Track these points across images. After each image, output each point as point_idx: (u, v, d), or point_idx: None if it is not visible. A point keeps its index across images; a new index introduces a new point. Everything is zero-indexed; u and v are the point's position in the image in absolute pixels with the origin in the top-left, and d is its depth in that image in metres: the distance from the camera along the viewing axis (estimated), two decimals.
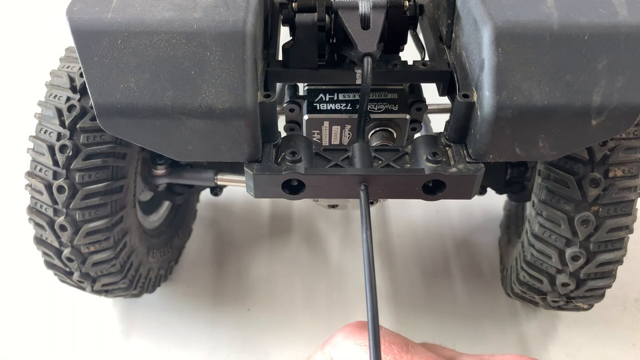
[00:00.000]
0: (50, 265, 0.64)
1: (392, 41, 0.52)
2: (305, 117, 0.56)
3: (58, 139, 0.56)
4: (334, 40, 0.52)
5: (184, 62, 0.43)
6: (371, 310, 0.37)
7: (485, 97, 0.43)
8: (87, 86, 0.44)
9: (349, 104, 0.56)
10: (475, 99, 0.45)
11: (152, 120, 0.44)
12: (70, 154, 0.56)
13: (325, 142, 0.58)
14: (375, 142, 0.56)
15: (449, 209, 0.91)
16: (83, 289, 0.66)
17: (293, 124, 0.58)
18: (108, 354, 0.72)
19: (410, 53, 0.56)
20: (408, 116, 0.57)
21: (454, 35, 0.52)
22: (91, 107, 0.55)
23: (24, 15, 1.38)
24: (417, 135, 0.59)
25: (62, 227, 0.58)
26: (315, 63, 0.52)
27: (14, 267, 0.81)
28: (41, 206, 0.59)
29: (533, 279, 0.64)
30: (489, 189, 0.74)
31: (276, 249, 0.85)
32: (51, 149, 0.56)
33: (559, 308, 0.67)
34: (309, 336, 0.74)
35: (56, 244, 0.60)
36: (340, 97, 0.57)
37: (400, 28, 0.52)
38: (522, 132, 0.44)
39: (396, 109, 0.57)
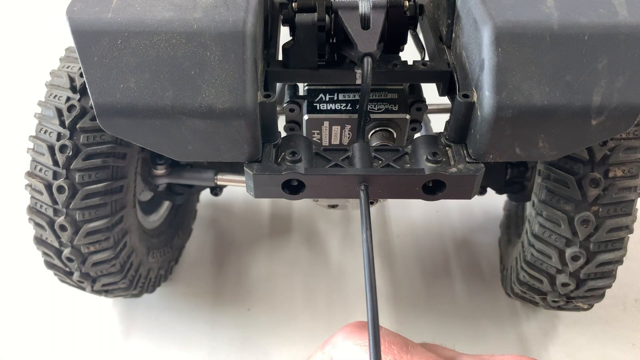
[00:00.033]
0: (50, 265, 0.64)
1: (392, 41, 0.52)
2: (305, 117, 0.56)
3: (58, 139, 0.56)
4: (334, 40, 0.52)
5: (184, 62, 0.43)
6: (371, 310, 0.37)
7: (485, 97, 0.43)
8: (87, 86, 0.44)
9: (349, 104, 0.56)
10: (475, 99, 0.45)
11: (152, 120, 0.44)
12: (70, 154, 0.56)
13: (325, 142, 0.58)
14: (375, 142, 0.56)
15: (449, 209, 0.91)
16: (83, 289, 0.66)
17: (293, 124, 0.58)
18: (108, 354, 0.72)
19: (410, 53, 0.56)
20: (408, 116, 0.57)
21: (454, 35, 0.52)
22: (91, 107, 0.55)
23: (24, 15, 1.38)
24: (417, 135, 0.59)
25: (62, 227, 0.58)
26: (315, 63, 0.52)
27: (14, 267, 0.81)
28: (41, 206, 0.59)
29: (533, 279, 0.64)
30: (489, 189, 0.74)
31: (276, 249, 0.85)
32: (51, 149, 0.56)
33: (559, 308, 0.67)
34: (309, 336, 0.74)
35: (56, 244, 0.60)
36: (340, 97, 0.57)
37: (400, 28, 0.52)
38: (522, 132, 0.44)
39: (396, 109, 0.56)
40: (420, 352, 0.37)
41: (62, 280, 0.67)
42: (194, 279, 0.81)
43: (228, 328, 0.75)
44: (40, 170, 0.58)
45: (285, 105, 0.56)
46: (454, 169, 0.46)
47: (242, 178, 0.64)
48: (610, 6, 0.44)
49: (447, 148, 0.48)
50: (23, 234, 0.73)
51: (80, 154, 0.56)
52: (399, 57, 0.54)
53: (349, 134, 0.58)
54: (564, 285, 0.61)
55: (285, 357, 0.72)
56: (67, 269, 0.63)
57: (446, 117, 0.51)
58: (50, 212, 0.58)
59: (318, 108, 0.56)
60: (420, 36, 0.60)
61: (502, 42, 0.43)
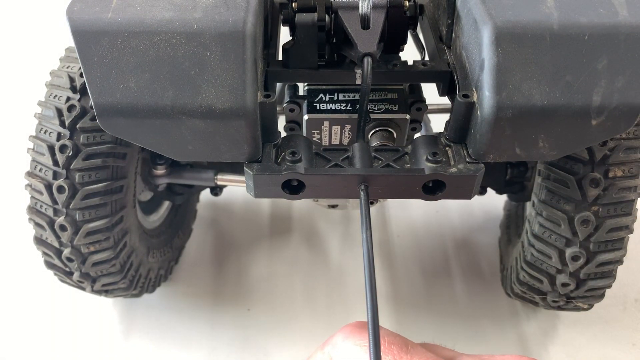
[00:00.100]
0: (50, 265, 0.64)
1: (392, 41, 0.52)
2: (305, 117, 0.56)
3: (58, 139, 0.56)
4: (334, 40, 0.52)
5: (184, 62, 0.43)
6: (371, 310, 0.37)
7: (485, 97, 0.43)
8: (87, 86, 0.44)
9: (349, 104, 0.56)
10: (475, 99, 0.45)
11: (152, 120, 0.44)
12: (70, 154, 0.56)
13: (325, 142, 0.58)
14: (375, 142, 0.56)
15: (449, 209, 0.91)
16: (83, 289, 0.66)
17: (293, 124, 0.58)
18: (108, 354, 0.72)
19: (410, 53, 0.56)
20: (408, 116, 0.57)
21: (454, 35, 0.52)
22: (91, 107, 0.55)
23: (24, 15, 1.38)
24: (417, 135, 0.59)
25: (62, 227, 0.58)
26: (315, 63, 0.52)
27: (14, 267, 0.81)
28: (41, 206, 0.59)
29: (533, 279, 0.64)
30: (489, 189, 0.74)
31: (276, 249, 0.85)
32: (51, 149, 0.56)
33: (559, 308, 0.67)
34: (309, 336, 0.74)
35: (56, 244, 0.60)
36: (340, 97, 0.57)
37: (400, 28, 0.52)
38: (522, 132, 0.44)
39: (396, 109, 0.56)
40: (420, 352, 0.37)
41: (62, 280, 0.67)
42: (194, 279, 0.81)
43: (228, 328, 0.75)
44: (40, 170, 0.58)
45: (285, 105, 0.56)
46: (454, 169, 0.46)
47: (242, 178, 0.64)
48: (610, 6, 0.44)
49: (447, 148, 0.48)
50: (23, 234, 0.73)
51: (80, 154, 0.56)
52: (399, 57, 0.54)
53: (349, 134, 0.58)
54: (564, 285, 0.61)
55: (285, 357, 0.72)
56: (67, 269, 0.63)
57: (446, 117, 0.51)
58: (50, 212, 0.58)
59: (318, 108, 0.56)
60: (420, 36, 0.60)
61: (502, 42, 0.43)
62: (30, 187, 0.59)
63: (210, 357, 0.72)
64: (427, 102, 0.58)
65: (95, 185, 0.57)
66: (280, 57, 0.54)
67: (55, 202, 0.58)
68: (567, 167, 0.57)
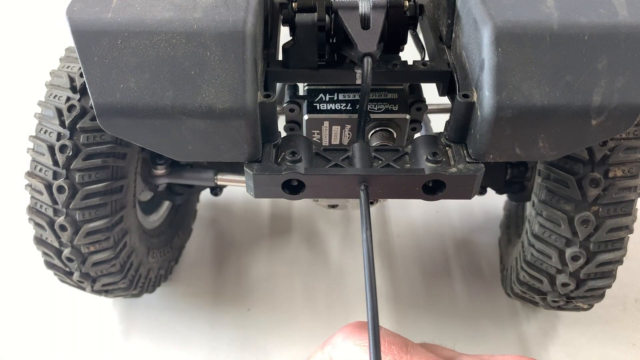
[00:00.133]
0: (50, 265, 0.64)
1: (392, 41, 0.52)
2: (305, 117, 0.56)
3: (58, 139, 0.56)
4: (334, 40, 0.52)
5: (184, 62, 0.43)
6: (371, 310, 0.37)
7: (485, 97, 0.43)
8: (87, 86, 0.44)
9: (349, 104, 0.56)
10: (475, 99, 0.45)
11: (152, 120, 0.44)
12: (70, 154, 0.56)
13: (325, 142, 0.58)
14: (375, 142, 0.56)
15: (449, 209, 0.91)
16: (83, 289, 0.66)
17: (293, 124, 0.58)
18: (108, 354, 0.72)
19: (410, 53, 0.56)
20: (408, 116, 0.57)
21: (454, 35, 0.52)
22: (91, 107, 0.55)
23: (24, 15, 1.38)
24: (417, 135, 0.59)
25: (62, 227, 0.58)
26: (315, 63, 0.52)
27: (14, 267, 0.81)
28: (41, 206, 0.59)
29: (533, 279, 0.64)
30: (489, 189, 0.74)
31: (276, 249, 0.85)
32: (51, 149, 0.56)
33: (559, 308, 0.67)
34: (309, 336, 0.74)
35: (56, 244, 0.60)
36: (340, 97, 0.57)
37: (400, 28, 0.52)
38: (522, 132, 0.44)
39: (396, 109, 0.56)
40: (419, 352, 0.37)
41: (62, 280, 0.67)
42: (194, 279, 0.81)
43: (228, 328, 0.75)
44: (40, 170, 0.58)
45: (285, 105, 0.56)
46: (454, 169, 0.46)
47: (242, 178, 0.64)
48: (610, 6, 0.44)
49: (447, 148, 0.48)
50: (23, 234, 0.73)
51: (80, 154, 0.56)
52: (399, 57, 0.54)
53: (349, 134, 0.58)
54: (564, 285, 0.61)
55: (285, 357, 0.72)
56: (67, 269, 0.63)
57: (446, 117, 0.51)
58: (50, 212, 0.58)
59: (318, 108, 0.56)
60: (420, 36, 0.60)
61: (502, 42, 0.43)
62: (30, 187, 0.59)
63: (210, 357, 0.72)
64: (427, 102, 0.58)
65: (95, 185, 0.57)
66: (280, 57, 0.54)
67: (55, 202, 0.58)
68: (567, 167, 0.57)
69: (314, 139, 0.58)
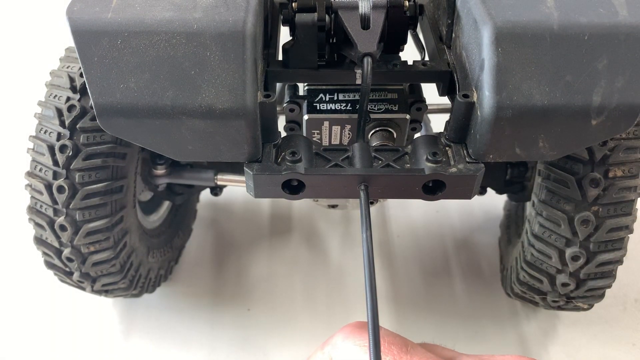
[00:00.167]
0: (50, 265, 0.64)
1: (392, 41, 0.52)
2: (305, 117, 0.56)
3: (58, 139, 0.56)
4: (334, 40, 0.52)
5: (184, 62, 0.43)
6: (371, 310, 0.37)
7: (485, 97, 0.43)
8: (87, 86, 0.44)
9: (349, 104, 0.56)
10: (475, 99, 0.45)
11: (152, 120, 0.44)
12: (70, 154, 0.56)
13: (325, 142, 0.58)
14: (375, 142, 0.56)
15: (449, 209, 0.91)
16: (83, 289, 0.66)
17: (293, 124, 0.58)
18: (108, 354, 0.72)
19: (410, 53, 0.56)
20: (408, 116, 0.57)
21: (454, 35, 0.52)
22: (91, 107, 0.55)
23: (24, 15, 1.38)
24: (417, 135, 0.59)
25: (62, 227, 0.58)
26: (315, 63, 0.52)
27: (14, 267, 0.81)
28: (41, 206, 0.59)
29: (533, 279, 0.64)
30: (489, 189, 0.74)
31: (276, 249, 0.85)
32: (51, 149, 0.56)
33: (559, 308, 0.67)
34: (309, 336, 0.74)
35: (56, 244, 0.60)
36: (340, 97, 0.57)
37: (400, 28, 0.52)
38: (522, 132, 0.44)
39: (396, 109, 0.56)
40: (419, 353, 0.37)
41: (62, 280, 0.67)
42: (194, 279, 0.81)
43: (228, 328, 0.75)
44: (40, 170, 0.58)
45: (285, 105, 0.56)
46: (454, 169, 0.46)
47: (242, 178, 0.64)
48: (610, 6, 0.44)
49: (447, 148, 0.48)
50: (23, 234, 0.73)
51: (80, 154, 0.56)
52: (399, 57, 0.54)
53: (349, 134, 0.58)
54: (564, 285, 0.61)
55: (285, 357, 0.72)
56: (67, 269, 0.63)
57: (446, 117, 0.51)
58: (50, 212, 0.58)
59: (318, 108, 0.56)
60: (420, 36, 0.60)
61: (502, 42, 0.43)
62: (30, 187, 0.59)
63: (210, 357, 0.72)
64: (427, 102, 0.58)
65: (95, 185, 0.57)
66: (280, 57, 0.54)
67: (55, 202, 0.58)
68: (567, 167, 0.57)
69: (314, 139, 0.58)
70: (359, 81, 0.52)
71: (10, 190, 0.90)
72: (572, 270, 0.60)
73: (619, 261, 0.59)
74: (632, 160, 0.56)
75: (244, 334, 0.74)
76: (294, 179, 0.46)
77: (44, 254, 0.62)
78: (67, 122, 0.56)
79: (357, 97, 0.57)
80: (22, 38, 1.31)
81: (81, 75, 0.57)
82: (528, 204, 0.70)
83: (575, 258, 0.58)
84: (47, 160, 0.57)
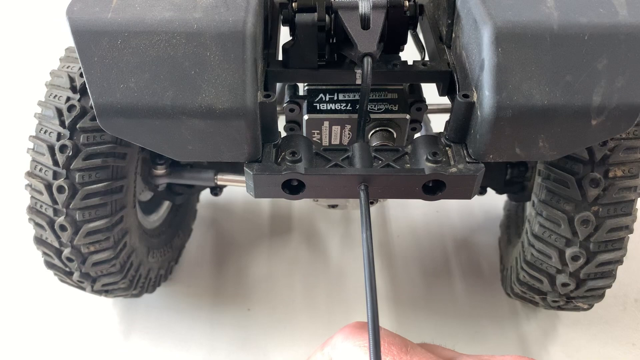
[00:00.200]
0: (50, 265, 0.64)
1: (392, 41, 0.52)
2: (305, 117, 0.56)
3: (58, 139, 0.56)
4: (334, 40, 0.52)
5: (184, 62, 0.43)
6: (371, 311, 0.37)
7: (485, 97, 0.43)
8: (87, 86, 0.44)
9: (349, 104, 0.56)
10: (475, 99, 0.45)
11: (152, 120, 0.44)
12: (70, 154, 0.56)
13: (325, 142, 0.58)
14: (375, 142, 0.56)
15: (449, 209, 0.91)
16: (83, 289, 0.66)
17: (293, 124, 0.58)
18: (108, 354, 0.72)
19: (410, 53, 0.56)
20: (408, 116, 0.57)
21: (454, 35, 0.52)
22: (91, 107, 0.55)
23: (24, 15, 1.38)
24: (417, 135, 0.59)
25: (62, 227, 0.58)
26: (315, 63, 0.52)
27: (14, 267, 0.81)
28: (41, 206, 0.59)
29: (533, 279, 0.64)
30: (489, 189, 0.74)
31: (276, 249, 0.85)
32: (51, 149, 0.56)
33: (559, 308, 0.67)
34: (309, 336, 0.74)
35: (56, 244, 0.60)
36: (340, 97, 0.57)
37: (400, 28, 0.52)
38: (522, 132, 0.44)
39: (396, 109, 0.56)
40: (419, 353, 0.37)
41: (62, 280, 0.67)
42: (194, 279, 0.81)
43: (228, 328, 0.75)
44: (40, 170, 0.58)
45: (285, 105, 0.56)
46: (454, 169, 0.46)
47: (242, 178, 0.64)
48: (610, 6, 0.44)
49: (447, 148, 0.48)
50: (23, 234, 0.73)
51: (80, 154, 0.56)
52: (399, 57, 0.54)
53: (349, 134, 0.58)
54: (564, 285, 0.61)
55: (285, 357, 0.72)
56: (67, 269, 0.63)
57: (446, 117, 0.51)
58: (50, 212, 0.58)
59: (318, 108, 0.56)
60: (420, 36, 0.60)
61: (502, 42, 0.43)
62: (30, 187, 0.59)
63: (210, 357, 0.72)
64: (427, 102, 0.58)
65: (95, 185, 0.57)
66: (280, 57, 0.54)
67: (55, 202, 0.58)
68: (567, 167, 0.57)
69: (314, 139, 0.58)
70: (359, 81, 0.52)
71: (10, 190, 0.90)
72: (572, 270, 0.60)
73: (619, 261, 0.59)
74: (632, 160, 0.56)
75: (244, 334, 0.74)
76: (294, 179, 0.46)
77: (44, 254, 0.62)
78: (67, 122, 0.56)
79: (357, 97, 0.57)
80: (22, 38, 1.31)
81: (81, 75, 0.57)
82: (528, 204, 0.70)
83: (575, 258, 0.58)
84: (47, 160, 0.57)
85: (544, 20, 0.43)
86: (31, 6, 1.40)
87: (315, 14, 0.49)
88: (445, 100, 0.54)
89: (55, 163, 0.56)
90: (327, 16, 0.50)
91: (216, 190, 0.79)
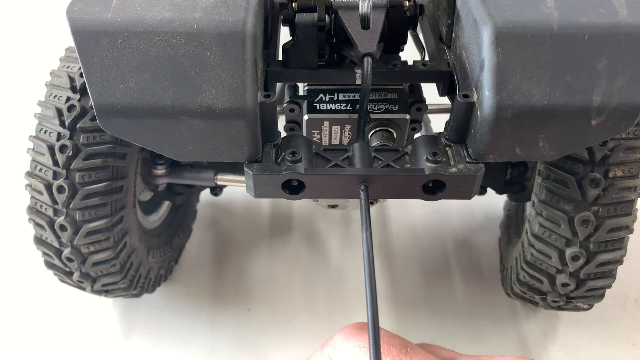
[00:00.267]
0: (50, 265, 0.64)
1: (392, 41, 0.52)
2: (305, 117, 0.56)
3: (58, 139, 0.56)
4: (334, 40, 0.52)
5: (184, 62, 0.43)
6: (371, 311, 0.37)
7: (485, 97, 0.43)
8: (87, 86, 0.43)
9: (349, 104, 0.56)
10: (475, 99, 0.45)
11: (152, 120, 0.44)
12: (70, 154, 0.56)
13: (325, 142, 0.58)
14: (375, 142, 0.56)
15: (449, 209, 0.91)
16: (83, 289, 0.66)
17: (293, 124, 0.58)
18: (108, 354, 0.72)
19: (410, 53, 0.56)
20: (408, 116, 0.57)
21: (454, 35, 0.52)
22: (91, 107, 0.55)
23: (24, 15, 1.38)
24: (417, 135, 0.59)
25: (62, 227, 0.58)
26: (315, 63, 0.52)
27: (14, 267, 0.81)
28: (41, 206, 0.59)
29: (533, 279, 0.64)
30: (489, 189, 0.74)
31: (276, 249, 0.85)
32: (51, 149, 0.56)
33: (559, 308, 0.67)
34: (309, 336, 0.74)
35: (56, 244, 0.60)
36: (340, 97, 0.57)
37: (400, 28, 0.52)
38: (522, 132, 0.44)
39: (396, 109, 0.56)
40: (419, 354, 0.37)
41: (62, 280, 0.67)
42: (194, 279, 0.81)
43: (228, 328, 0.75)
44: (40, 170, 0.58)
45: (285, 105, 0.56)
46: (454, 169, 0.46)
47: (242, 178, 0.64)
48: (610, 6, 0.44)
49: (447, 148, 0.48)
50: (23, 234, 0.73)
51: (80, 154, 0.56)
52: (399, 57, 0.54)
53: (349, 134, 0.58)
54: (564, 285, 0.61)
55: (285, 357, 0.72)
56: (67, 269, 0.63)
57: (446, 117, 0.51)
58: (50, 212, 0.58)
59: (318, 108, 0.56)
60: (420, 36, 0.60)
61: (502, 42, 0.43)
62: (30, 187, 0.59)
63: (210, 357, 0.72)
64: (427, 102, 0.58)
65: (95, 185, 0.57)
66: (280, 57, 0.54)
67: (55, 202, 0.58)
68: (567, 167, 0.57)
69: (314, 139, 0.58)
70: (359, 81, 0.52)
71: (10, 190, 0.90)
72: (572, 270, 0.60)
73: (619, 261, 0.59)
74: (632, 160, 0.56)
75: (244, 334, 0.74)
76: (294, 179, 0.46)
77: (44, 254, 0.62)
78: (67, 122, 0.56)
79: (357, 97, 0.57)
80: (22, 38, 1.31)
81: (81, 75, 0.57)
82: (528, 204, 0.70)
83: (575, 258, 0.58)
84: (47, 160, 0.57)
85: (544, 20, 0.43)
86: (31, 6, 1.40)
87: (315, 14, 0.49)
88: (445, 100, 0.54)
89: (55, 163, 0.56)
90: (327, 16, 0.50)
91: (216, 190, 0.79)
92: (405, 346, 0.37)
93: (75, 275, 0.63)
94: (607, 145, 0.55)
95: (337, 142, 0.59)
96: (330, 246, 0.85)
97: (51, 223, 0.59)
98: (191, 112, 0.43)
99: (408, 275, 0.81)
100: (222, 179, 0.72)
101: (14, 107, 1.09)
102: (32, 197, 0.59)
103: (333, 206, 0.69)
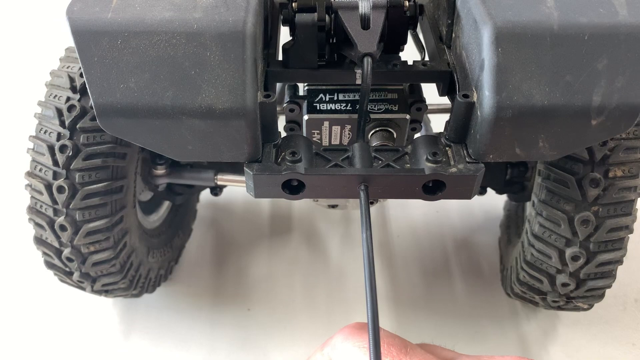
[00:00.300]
0: (50, 265, 0.64)
1: (392, 41, 0.52)
2: (305, 117, 0.56)
3: (58, 139, 0.56)
4: (334, 40, 0.52)
5: (184, 62, 0.43)
6: (371, 311, 0.37)
7: (485, 97, 0.43)
8: (87, 86, 0.43)
9: (349, 104, 0.56)
10: (475, 99, 0.45)
11: (152, 120, 0.44)
12: (70, 154, 0.56)
13: (325, 142, 0.58)
14: (375, 142, 0.56)
15: (449, 209, 0.91)
16: (83, 289, 0.66)
17: (293, 124, 0.58)
18: (108, 354, 0.72)
19: (410, 53, 0.56)
20: (408, 116, 0.57)
21: (454, 35, 0.52)
22: (91, 107, 0.55)
23: (24, 15, 1.38)
24: (417, 135, 0.59)
25: (62, 227, 0.58)
26: (315, 63, 0.52)
27: (14, 267, 0.81)
28: (41, 206, 0.59)
29: (533, 279, 0.64)
30: (489, 189, 0.74)
31: (276, 249, 0.85)
32: (51, 149, 0.56)
33: (559, 308, 0.67)
34: (309, 336, 0.74)
35: (56, 244, 0.60)
36: (340, 97, 0.57)
37: (400, 28, 0.52)
38: (522, 132, 0.44)
39: (396, 109, 0.56)
40: (418, 354, 0.37)
41: (62, 280, 0.67)
42: (194, 279, 0.81)
43: (228, 328, 0.75)
44: (40, 170, 0.58)
45: (285, 105, 0.56)
46: (454, 169, 0.46)
47: (242, 178, 0.64)
48: (610, 6, 0.44)
49: (447, 148, 0.48)
50: (23, 234, 0.73)
51: (80, 154, 0.56)
52: (399, 57, 0.54)
53: (349, 134, 0.58)
54: (564, 285, 0.61)
55: (285, 357, 0.72)
56: (67, 269, 0.63)
57: (446, 117, 0.51)
58: (50, 212, 0.58)
59: (318, 108, 0.56)
60: (420, 36, 0.60)
61: (502, 42, 0.43)
62: (30, 187, 0.59)
63: (210, 357, 0.72)
64: (427, 102, 0.58)
65: (95, 185, 0.57)
66: (280, 57, 0.54)
67: (55, 202, 0.58)
68: (567, 167, 0.57)
69: (314, 139, 0.58)
70: (359, 81, 0.52)
71: (10, 190, 0.90)
72: (572, 270, 0.60)
73: (619, 261, 0.59)
74: (632, 160, 0.56)
75: (244, 334, 0.74)
76: (294, 179, 0.46)
77: (44, 254, 0.62)
78: (67, 122, 0.56)
79: (357, 97, 0.57)
80: (22, 38, 1.31)
81: (81, 75, 0.57)
82: (528, 204, 0.70)
83: (575, 258, 0.58)
84: (47, 160, 0.57)
85: (544, 20, 0.43)
86: (31, 6, 1.40)
87: (315, 14, 0.49)
88: (445, 100, 0.54)
89: (55, 163, 0.56)
90: (327, 16, 0.50)
91: (216, 190, 0.79)
92: (405, 346, 0.37)
93: (75, 275, 0.63)
94: (607, 145, 0.55)
95: (337, 142, 0.59)
96: (330, 246, 0.85)
97: (51, 223, 0.59)
98: (191, 112, 0.43)
99: (408, 275, 0.81)
100: (222, 179, 0.72)
101: (14, 107, 1.09)
102: (32, 197, 0.59)
103: (333, 206, 0.69)
